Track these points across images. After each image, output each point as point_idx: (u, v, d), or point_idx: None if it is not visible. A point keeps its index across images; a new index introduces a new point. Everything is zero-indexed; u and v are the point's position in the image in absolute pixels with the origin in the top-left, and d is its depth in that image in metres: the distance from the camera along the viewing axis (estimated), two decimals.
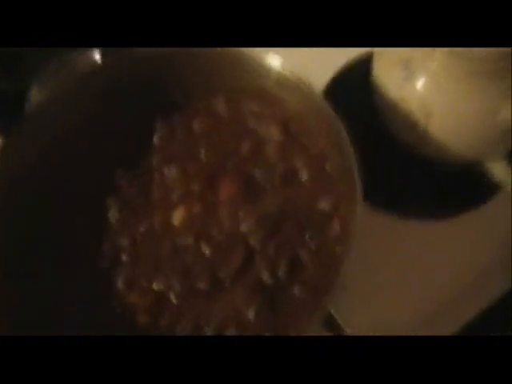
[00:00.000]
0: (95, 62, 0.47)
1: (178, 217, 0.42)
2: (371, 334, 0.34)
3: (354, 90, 0.52)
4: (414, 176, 0.49)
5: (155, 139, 0.46)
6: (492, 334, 0.34)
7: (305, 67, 0.43)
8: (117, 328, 0.39)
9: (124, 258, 0.42)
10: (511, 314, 0.45)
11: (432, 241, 0.47)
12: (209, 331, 0.38)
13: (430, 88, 0.43)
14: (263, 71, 0.44)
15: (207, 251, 0.41)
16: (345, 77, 0.55)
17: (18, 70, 0.57)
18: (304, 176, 0.43)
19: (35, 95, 0.48)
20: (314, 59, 0.48)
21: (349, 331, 0.34)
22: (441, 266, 0.46)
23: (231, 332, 0.38)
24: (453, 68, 0.41)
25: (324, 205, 0.41)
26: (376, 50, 0.48)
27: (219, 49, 0.44)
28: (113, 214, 0.44)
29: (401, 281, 0.45)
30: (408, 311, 0.44)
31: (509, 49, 0.39)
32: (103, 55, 0.47)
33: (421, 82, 0.43)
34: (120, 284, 0.41)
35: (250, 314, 0.38)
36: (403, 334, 0.39)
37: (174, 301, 0.39)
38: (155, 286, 0.40)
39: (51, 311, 0.40)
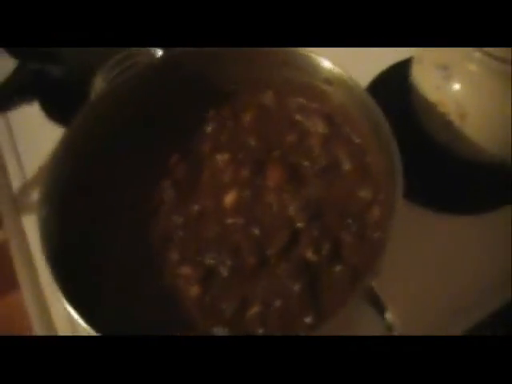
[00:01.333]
0: (156, 56, 0.50)
1: (229, 199, 0.46)
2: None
3: (394, 91, 0.55)
4: (449, 173, 0.52)
5: (208, 128, 0.50)
6: None
7: (349, 68, 0.46)
8: (169, 298, 0.43)
9: (178, 234, 0.45)
10: None
11: (466, 234, 0.50)
12: (256, 303, 0.41)
13: (466, 89, 0.46)
14: (312, 69, 0.47)
15: (256, 231, 0.44)
16: (386, 78, 0.59)
17: (82, 60, 0.61)
18: (346, 166, 0.46)
19: (98, 85, 0.51)
20: (358, 61, 0.51)
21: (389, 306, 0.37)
22: (474, 258, 0.49)
23: (277, 304, 0.41)
24: (489, 70, 0.45)
25: (364, 193, 0.45)
26: (415, 54, 0.52)
27: None
28: (167, 195, 0.47)
29: (433, 270, 0.49)
30: (441, 296, 0.48)
31: None
32: (164, 50, 0.51)
33: (458, 83, 0.47)
34: (174, 257, 0.44)
35: (296, 288, 0.41)
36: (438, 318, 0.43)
37: (225, 274, 0.43)
38: (207, 260, 0.43)
39: (106, 282, 0.44)
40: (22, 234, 0.67)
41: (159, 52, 0.50)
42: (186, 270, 0.43)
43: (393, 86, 0.56)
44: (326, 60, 0.46)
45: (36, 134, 0.68)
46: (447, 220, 0.51)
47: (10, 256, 0.68)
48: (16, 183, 0.66)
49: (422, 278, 0.48)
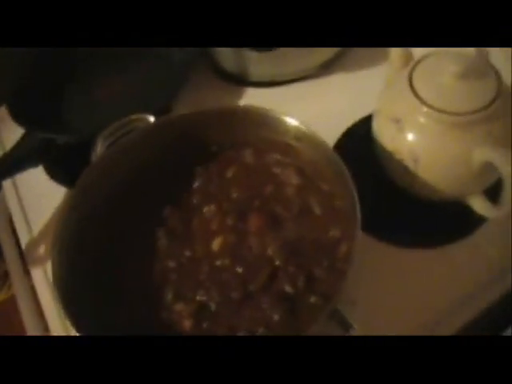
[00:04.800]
0: (149, 122, 0.58)
1: (216, 244, 0.52)
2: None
3: (358, 143, 0.62)
4: (408, 211, 0.59)
5: (196, 183, 0.57)
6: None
7: (320, 125, 0.53)
8: (165, 330, 0.48)
9: (172, 276, 0.51)
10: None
11: (425, 265, 0.56)
12: (242, 331, 0.47)
13: (417, 138, 0.53)
14: (283, 128, 0.54)
15: (240, 270, 0.50)
16: (352, 132, 0.66)
17: (84, 128, 0.68)
18: (317, 211, 0.53)
19: (98, 150, 0.57)
20: (327, 119, 0.58)
21: (353, 323, 0.42)
22: (432, 285, 0.55)
23: (261, 332, 0.47)
24: (436, 121, 0.52)
25: (334, 232, 0.51)
26: (374, 110, 0.59)
27: (249, 109, 0.56)
28: (162, 242, 0.54)
29: (397, 297, 0.54)
30: (403, 320, 0.53)
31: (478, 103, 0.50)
32: (156, 117, 0.58)
33: (410, 134, 0.53)
34: (169, 296, 0.50)
35: (275, 317, 0.47)
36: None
37: (213, 308, 0.49)
38: (198, 297, 0.49)
39: (112, 318, 0.49)
40: (29, 288, 0.73)
41: (152, 119, 0.57)
42: (179, 307, 0.49)
43: (358, 138, 0.63)
44: (294, 120, 0.53)
45: (41, 194, 0.74)
46: (407, 253, 0.57)
47: (18, 311, 0.73)
48: (24, 239, 0.72)
49: (386, 302, 0.53)
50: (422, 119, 0.53)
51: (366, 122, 0.63)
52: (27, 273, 0.73)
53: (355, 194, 0.47)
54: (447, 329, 0.53)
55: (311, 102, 0.72)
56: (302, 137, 0.53)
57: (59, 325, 0.63)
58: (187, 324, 0.48)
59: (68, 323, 0.60)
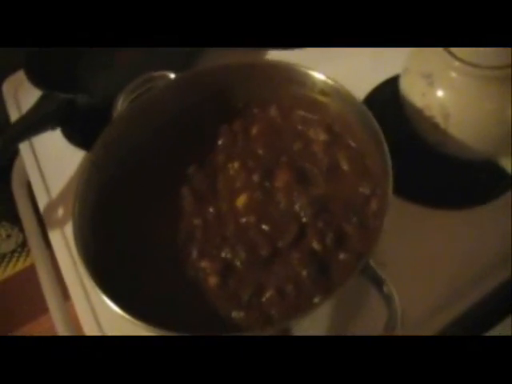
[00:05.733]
0: (170, 78, 0.56)
1: (241, 201, 0.51)
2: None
3: (385, 103, 0.61)
4: (439, 171, 0.57)
5: (220, 141, 0.56)
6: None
7: (348, 83, 0.51)
8: (192, 288, 0.48)
9: (198, 233, 0.50)
10: None
11: (453, 226, 0.55)
12: (270, 289, 0.46)
13: (448, 94, 0.52)
14: (311, 82, 0.53)
15: (266, 227, 0.49)
16: (380, 91, 0.65)
17: (104, 88, 0.67)
18: (346, 167, 0.51)
19: (119, 108, 0.56)
20: (355, 77, 0.57)
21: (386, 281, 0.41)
22: (460, 247, 0.54)
23: (289, 289, 0.46)
24: (468, 76, 0.50)
25: (363, 189, 0.50)
26: (403, 67, 0.57)
27: (276, 64, 0.54)
28: (187, 201, 0.52)
29: (426, 258, 0.53)
30: (433, 283, 0.52)
31: None
32: (177, 73, 0.56)
33: (441, 89, 0.52)
34: (194, 253, 0.49)
35: (305, 274, 0.46)
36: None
37: (240, 265, 0.48)
38: (223, 254, 0.48)
39: (137, 278, 0.49)
40: (48, 255, 0.72)
41: (172, 75, 0.56)
42: (205, 264, 0.48)
43: (386, 96, 0.62)
44: (320, 74, 0.51)
45: (59, 157, 0.74)
46: (434, 214, 0.56)
47: (37, 280, 0.73)
48: (42, 203, 0.71)
49: (415, 261, 0.53)
50: (453, 74, 0.51)
51: (390, 83, 0.62)
52: (46, 240, 0.72)
53: (386, 149, 0.46)
54: (478, 293, 0.52)
55: (333, 64, 0.69)
56: (329, 91, 0.52)
57: (80, 291, 0.62)
58: (212, 281, 0.47)
59: (89, 287, 0.61)
